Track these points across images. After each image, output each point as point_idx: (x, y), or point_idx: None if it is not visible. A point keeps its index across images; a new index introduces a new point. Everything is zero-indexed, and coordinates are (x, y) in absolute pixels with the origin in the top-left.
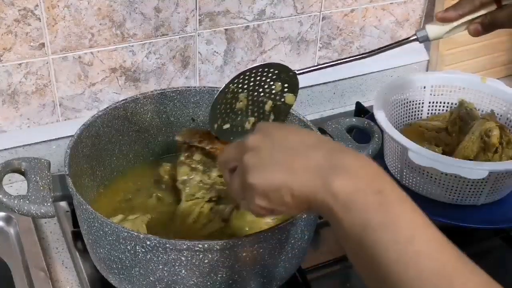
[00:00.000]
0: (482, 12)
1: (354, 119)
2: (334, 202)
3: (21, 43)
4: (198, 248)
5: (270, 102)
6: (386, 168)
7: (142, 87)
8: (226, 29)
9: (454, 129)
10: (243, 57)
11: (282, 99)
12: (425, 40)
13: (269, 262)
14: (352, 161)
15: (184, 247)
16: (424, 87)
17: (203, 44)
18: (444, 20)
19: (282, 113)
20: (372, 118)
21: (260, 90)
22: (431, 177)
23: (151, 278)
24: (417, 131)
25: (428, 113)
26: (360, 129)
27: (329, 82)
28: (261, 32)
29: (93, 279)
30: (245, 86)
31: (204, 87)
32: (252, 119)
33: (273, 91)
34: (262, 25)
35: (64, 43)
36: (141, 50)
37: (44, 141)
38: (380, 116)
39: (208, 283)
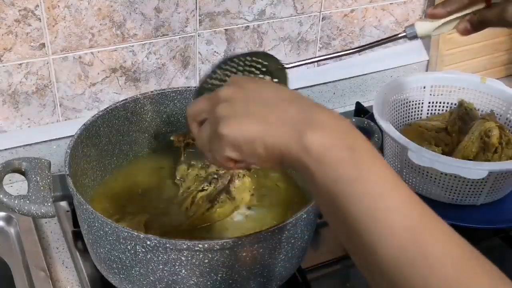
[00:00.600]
0: (471, 10)
1: (354, 119)
2: (307, 156)
3: (21, 43)
4: (198, 248)
5: None
6: None
7: (142, 87)
8: (226, 29)
9: (453, 129)
10: None
11: None
12: (413, 36)
13: (269, 262)
14: (326, 117)
15: (184, 247)
16: (424, 87)
17: (203, 44)
18: (433, 17)
19: None
20: (372, 118)
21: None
22: (431, 177)
23: (151, 278)
24: (417, 131)
25: (427, 113)
26: (360, 129)
27: (329, 82)
28: (261, 32)
29: (93, 279)
30: (233, 75)
31: None
32: None
33: (258, 76)
34: (262, 25)
35: (64, 43)
36: (141, 50)
37: (44, 141)
38: (380, 116)
39: (208, 283)
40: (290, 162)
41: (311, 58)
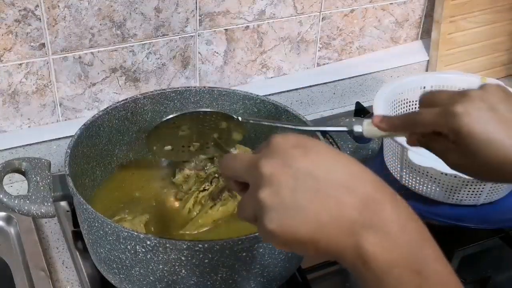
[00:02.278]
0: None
1: (354, 119)
2: (364, 269)
3: (21, 43)
4: (198, 248)
5: (215, 135)
6: (386, 168)
7: (142, 87)
8: (226, 29)
9: None
10: (243, 57)
11: (229, 134)
12: (359, 135)
13: (269, 262)
14: (391, 218)
15: (184, 247)
16: (424, 87)
17: (203, 44)
18: (377, 127)
19: (230, 145)
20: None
21: (205, 124)
22: (431, 177)
23: (151, 278)
24: None
25: None
26: None
27: (329, 82)
28: (261, 32)
29: (93, 278)
30: (188, 124)
31: (204, 87)
32: (197, 144)
33: (220, 127)
34: (262, 25)
35: (64, 43)
36: (141, 50)
37: (44, 141)
38: None
39: (208, 283)
40: (344, 265)
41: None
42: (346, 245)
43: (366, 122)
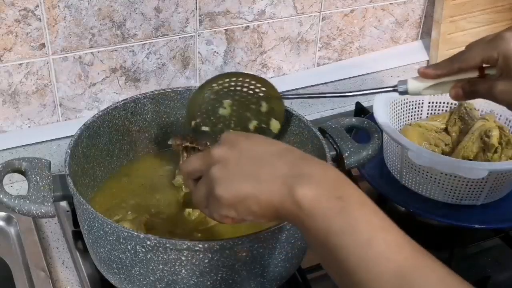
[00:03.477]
0: (462, 77)
1: (354, 119)
2: (299, 210)
3: (21, 43)
4: (198, 248)
5: (255, 122)
6: (386, 168)
7: (142, 87)
8: (226, 29)
9: (453, 129)
10: (243, 57)
11: (268, 124)
12: (404, 92)
13: (269, 262)
14: (314, 169)
15: (184, 247)
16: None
17: (203, 44)
18: (424, 76)
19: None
20: (372, 118)
21: (247, 103)
22: (431, 177)
23: (151, 278)
24: (417, 131)
25: (427, 113)
26: (360, 129)
27: (329, 82)
28: (261, 32)
29: (93, 278)
30: (231, 93)
31: None
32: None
33: (260, 110)
34: (262, 25)
35: (64, 43)
36: (141, 50)
37: (44, 141)
38: (380, 116)
39: (208, 283)
40: (285, 217)
41: (305, 94)
42: (282, 194)
43: (410, 79)
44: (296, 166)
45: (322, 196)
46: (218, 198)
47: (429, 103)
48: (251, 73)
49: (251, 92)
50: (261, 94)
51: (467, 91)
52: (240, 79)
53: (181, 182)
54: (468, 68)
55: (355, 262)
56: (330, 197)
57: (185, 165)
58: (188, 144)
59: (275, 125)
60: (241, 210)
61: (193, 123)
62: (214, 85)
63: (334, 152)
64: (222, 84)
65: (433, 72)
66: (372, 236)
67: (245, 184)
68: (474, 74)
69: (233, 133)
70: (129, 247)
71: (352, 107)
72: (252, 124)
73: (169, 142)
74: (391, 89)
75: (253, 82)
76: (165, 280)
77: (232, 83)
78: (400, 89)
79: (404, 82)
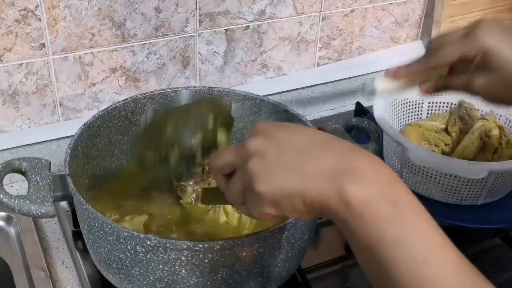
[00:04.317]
0: (434, 73)
1: (354, 119)
2: (347, 211)
3: (21, 43)
4: (198, 248)
5: (199, 136)
6: None
7: (142, 87)
8: (226, 29)
9: (453, 129)
10: (243, 57)
11: (214, 135)
12: (371, 94)
13: (269, 262)
14: (364, 165)
15: (184, 247)
16: None
17: (203, 44)
18: (394, 77)
19: (212, 149)
20: (372, 118)
21: (191, 121)
22: (431, 177)
23: (151, 278)
24: (417, 131)
25: (428, 113)
26: (360, 129)
27: (329, 82)
28: (261, 32)
29: (93, 279)
30: (175, 115)
31: (204, 87)
32: (177, 153)
33: (206, 124)
34: (262, 25)
35: (64, 43)
36: (141, 50)
37: (44, 141)
38: (380, 116)
39: (208, 283)
40: (330, 215)
41: None
42: (329, 192)
43: (378, 79)
44: (344, 160)
45: (375, 197)
46: (259, 194)
47: (429, 103)
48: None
49: (198, 110)
50: (208, 110)
51: (440, 86)
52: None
53: (189, 201)
54: (444, 65)
55: (407, 279)
56: (383, 201)
57: (216, 159)
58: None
59: (222, 137)
60: (284, 207)
61: (138, 153)
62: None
63: None
64: (167, 115)
65: (406, 72)
66: (429, 253)
67: (288, 179)
68: (444, 71)
69: (267, 123)
70: (129, 247)
71: (352, 107)
72: (197, 138)
73: (200, 161)
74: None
75: (192, 110)
76: (165, 280)
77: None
78: (367, 91)
79: (370, 84)
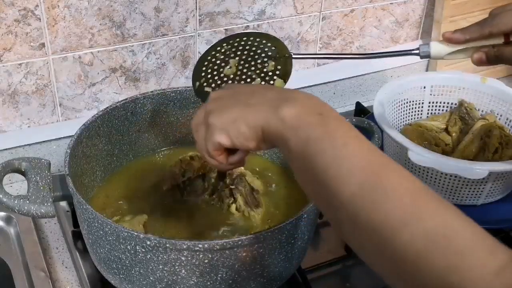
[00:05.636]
0: (489, 43)
1: (354, 119)
2: (282, 125)
3: (21, 43)
4: (198, 248)
5: (258, 80)
6: None
7: (142, 87)
8: (226, 29)
9: (453, 129)
10: None
11: (271, 82)
12: (426, 56)
13: (269, 262)
14: (299, 95)
15: (184, 247)
16: (424, 87)
17: (203, 44)
18: (450, 41)
19: None
20: (372, 118)
21: (253, 63)
22: (431, 177)
23: (151, 278)
24: (417, 131)
25: (428, 113)
26: (360, 129)
27: (329, 82)
28: None
29: (93, 279)
30: (239, 53)
31: None
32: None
33: (265, 69)
34: (262, 25)
35: (64, 43)
36: (141, 50)
37: (44, 141)
38: (380, 116)
39: (208, 283)
40: (270, 136)
41: (321, 54)
42: (268, 114)
43: (433, 42)
44: (284, 93)
45: (305, 113)
46: (211, 124)
47: (429, 103)
48: (263, 32)
49: (259, 51)
50: (270, 53)
51: (491, 56)
52: (251, 38)
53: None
54: (498, 33)
55: (329, 160)
56: (311, 113)
57: (193, 118)
58: (180, 181)
59: (278, 83)
60: (232, 132)
61: (197, 84)
62: (224, 44)
63: None
64: (232, 44)
65: (462, 37)
66: (347, 141)
67: (235, 108)
68: (500, 41)
69: (230, 84)
70: (128, 247)
71: (352, 107)
72: (256, 83)
73: (164, 188)
74: (413, 52)
75: (264, 41)
76: (165, 280)
77: (242, 43)
78: (422, 53)
79: (426, 45)
